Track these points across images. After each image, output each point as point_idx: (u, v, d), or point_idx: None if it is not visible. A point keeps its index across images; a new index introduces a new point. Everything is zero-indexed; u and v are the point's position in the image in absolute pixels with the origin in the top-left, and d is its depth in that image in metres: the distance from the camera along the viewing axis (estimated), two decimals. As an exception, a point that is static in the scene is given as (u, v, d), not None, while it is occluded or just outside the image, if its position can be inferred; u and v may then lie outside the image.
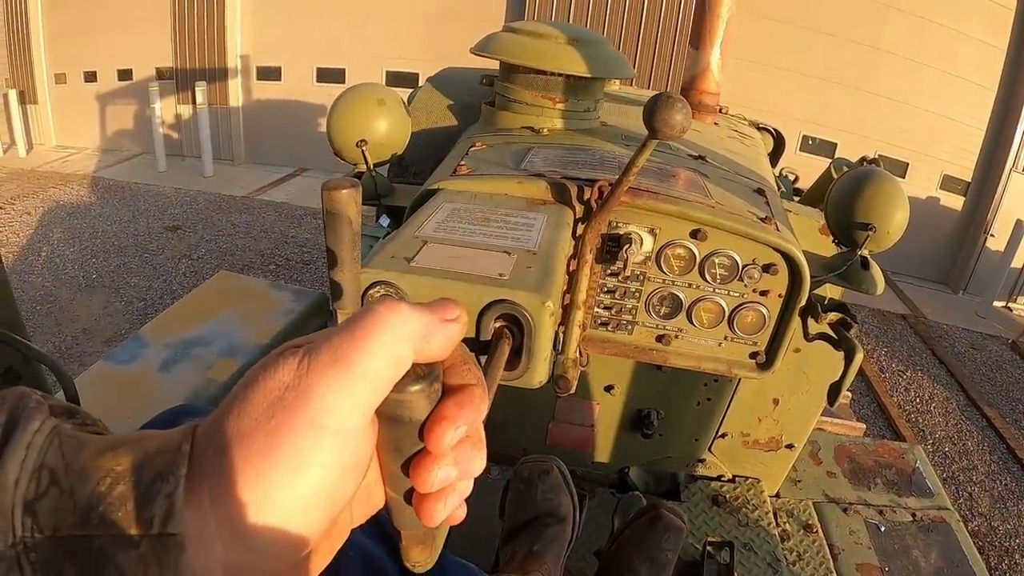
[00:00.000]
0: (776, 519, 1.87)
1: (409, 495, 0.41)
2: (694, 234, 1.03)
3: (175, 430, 0.34)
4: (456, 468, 0.38)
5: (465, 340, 0.57)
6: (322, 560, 0.39)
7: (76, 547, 0.30)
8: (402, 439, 0.39)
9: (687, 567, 1.54)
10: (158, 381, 1.63)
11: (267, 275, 6.29)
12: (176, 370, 1.67)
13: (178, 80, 10.03)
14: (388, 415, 0.38)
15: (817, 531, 1.87)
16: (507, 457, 1.93)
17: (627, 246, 1.00)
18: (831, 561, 1.79)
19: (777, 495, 1.98)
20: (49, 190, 8.44)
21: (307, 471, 0.33)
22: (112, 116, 10.71)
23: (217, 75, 9.80)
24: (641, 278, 1.07)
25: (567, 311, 1.01)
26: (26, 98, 10.66)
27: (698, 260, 1.05)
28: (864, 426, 2.89)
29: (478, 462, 0.40)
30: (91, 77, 10.64)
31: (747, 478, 1.94)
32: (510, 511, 1.44)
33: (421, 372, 0.38)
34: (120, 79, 10.46)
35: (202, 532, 0.31)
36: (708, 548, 1.55)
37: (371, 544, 0.92)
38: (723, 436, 1.87)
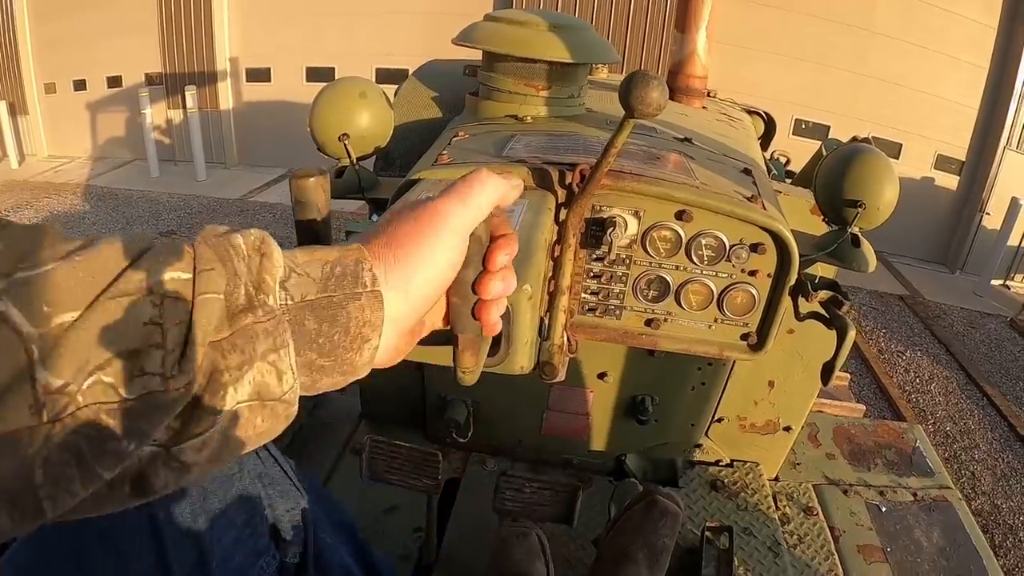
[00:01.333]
0: (776, 502, 1.86)
1: (472, 307, 0.59)
2: (679, 215, 1.02)
3: (344, 246, 0.51)
4: (503, 284, 0.59)
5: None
6: (415, 340, 0.60)
7: (317, 305, 0.47)
8: (473, 252, 0.57)
9: (686, 553, 1.53)
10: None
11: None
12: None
13: (168, 85, 10.00)
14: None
15: (817, 513, 1.86)
16: (503, 448, 1.93)
17: (611, 229, 0.99)
18: (832, 543, 1.79)
19: (776, 478, 1.97)
20: (43, 200, 8.42)
21: (445, 251, 0.54)
22: (103, 124, 10.69)
23: (207, 79, 9.78)
24: (627, 262, 1.06)
25: (552, 297, 1.00)
26: (16, 109, 10.63)
27: (684, 242, 1.03)
28: (864, 407, 2.89)
29: (512, 283, 0.60)
30: (81, 85, 10.61)
31: (745, 462, 1.93)
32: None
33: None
34: (110, 86, 10.44)
35: (393, 289, 0.52)
36: (707, 533, 1.54)
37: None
38: (719, 420, 1.86)
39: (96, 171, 9.94)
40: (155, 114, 9.62)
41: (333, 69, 9.34)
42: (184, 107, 9.43)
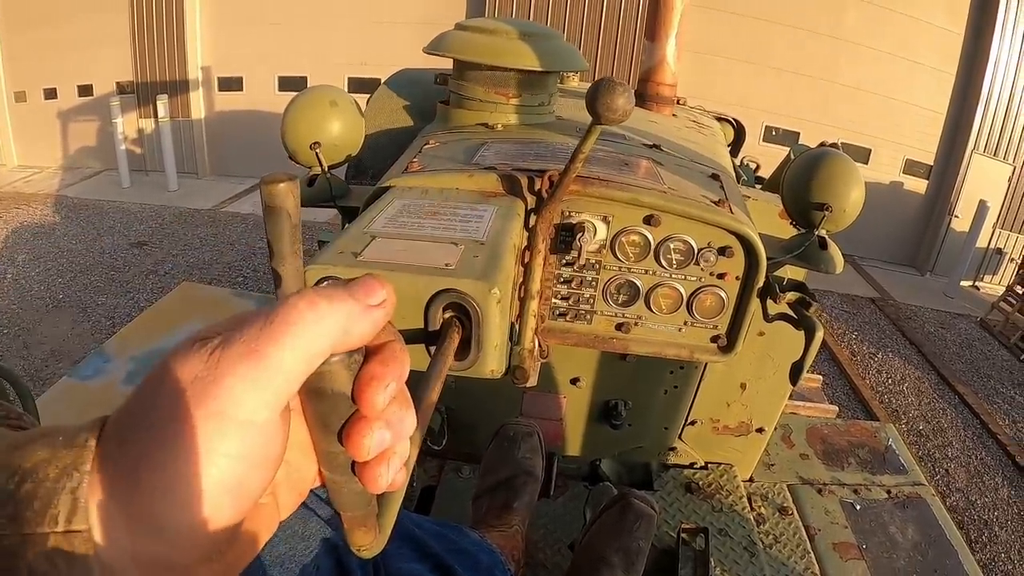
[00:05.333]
0: (751, 503, 1.88)
1: (346, 470, 0.41)
2: (647, 220, 1.03)
3: (84, 423, 0.34)
4: (389, 431, 0.38)
5: (414, 331, 0.58)
6: (246, 551, 0.39)
7: None
8: (328, 413, 0.39)
9: (662, 555, 1.54)
10: (123, 395, 1.60)
11: (235, 287, 6.22)
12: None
13: (139, 94, 9.90)
14: (311, 389, 0.38)
15: (792, 513, 1.89)
16: (478, 455, 1.92)
17: (580, 235, 1.00)
18: (808, 542, 1.81)
19: (751, 479, 1.99)
20: (12, 211, 8.29)
21: (213, 461, 0.33)
22: (74, 133, 10.55)
23: (178, 87, 9.69)
24: (597, 267, 1.06)
25: (522, 302, 1.00)
26: (-15, 118, 10.49)
27: (653, 246, 1.04)
28: (836, 408, 2.92)
29: (409, 421, 0.40)
30: (51, 94, 10.47)
31: (720, 464, 1.95)
32: (490, 465, 1.49)
33: None
34: (81, 95, 10.31)
35: (108, 525, 0.32)
36: (683, 535, 1.56)
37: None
38: (693, 423, 1.88)
39: (67, 181, 9.81)
40: (126, 123, 9.52)
41: (306, 78, 9.30)
42: (156, 116, 9.33)
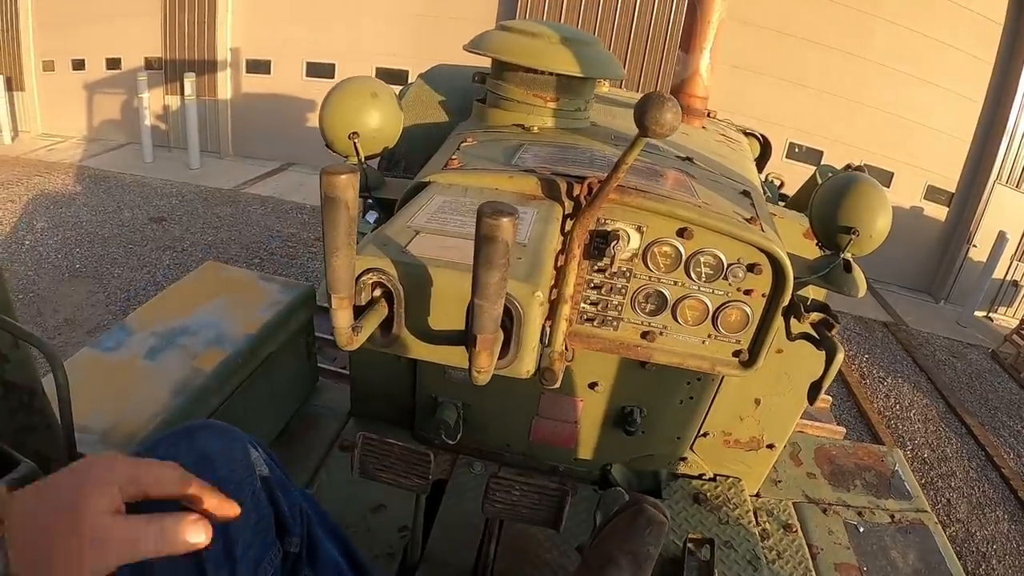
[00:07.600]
0: (756, 518, 1.89)
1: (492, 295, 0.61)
2: (680, 232, 1.05)
3: None
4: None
5: (454, 332, 0.62)
6: None
7: None
8: (498, 259, 0.60)
9: (668, 563, 1.55)
10: (144, 369, 1.62)
11: (251, 268, 6.24)
12: (162, 358, 1.66)
13: (167, 71, 9.96)
14: None
15: (796, 530, 1.89)
16: (491, 452, 1.94)
17: (614, 243, 1.01)
18: (810, 560, 1.82)
19: (758, 494, 2.00)
20: (34, 178, 8.35)
21: None
22: (99, 105, 10.61)
23: (206, 67, 9.73)
24: (627, 275, 1.08)
25: (554, 305, 1.02)
26: (13, 85, 10.54)
27: (684, 258, 1.06)
28: (844, 430, 2.93)
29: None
30: (79, 65, 10.53)
31: (728, 477, 1.96)
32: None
33: None
34: (108, 68, 10.37)
35: None
36: (689, 545, 1.57)
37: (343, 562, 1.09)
38: (705, 435, 1.89)
39: (90, 152, 9.88)
40: (152, 99, 9.56)
41: (333, 65, 9.33)
42: (182, 94, 9.37)
